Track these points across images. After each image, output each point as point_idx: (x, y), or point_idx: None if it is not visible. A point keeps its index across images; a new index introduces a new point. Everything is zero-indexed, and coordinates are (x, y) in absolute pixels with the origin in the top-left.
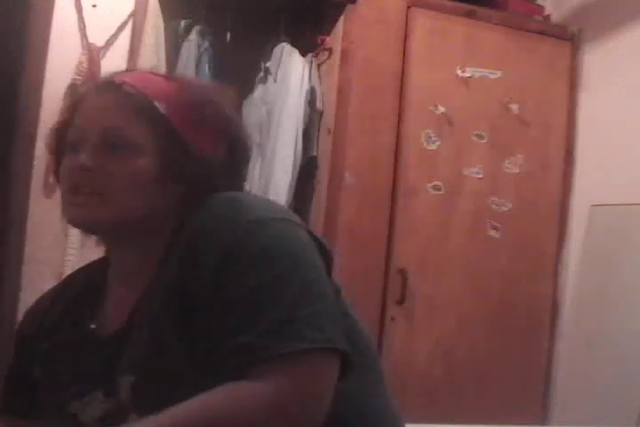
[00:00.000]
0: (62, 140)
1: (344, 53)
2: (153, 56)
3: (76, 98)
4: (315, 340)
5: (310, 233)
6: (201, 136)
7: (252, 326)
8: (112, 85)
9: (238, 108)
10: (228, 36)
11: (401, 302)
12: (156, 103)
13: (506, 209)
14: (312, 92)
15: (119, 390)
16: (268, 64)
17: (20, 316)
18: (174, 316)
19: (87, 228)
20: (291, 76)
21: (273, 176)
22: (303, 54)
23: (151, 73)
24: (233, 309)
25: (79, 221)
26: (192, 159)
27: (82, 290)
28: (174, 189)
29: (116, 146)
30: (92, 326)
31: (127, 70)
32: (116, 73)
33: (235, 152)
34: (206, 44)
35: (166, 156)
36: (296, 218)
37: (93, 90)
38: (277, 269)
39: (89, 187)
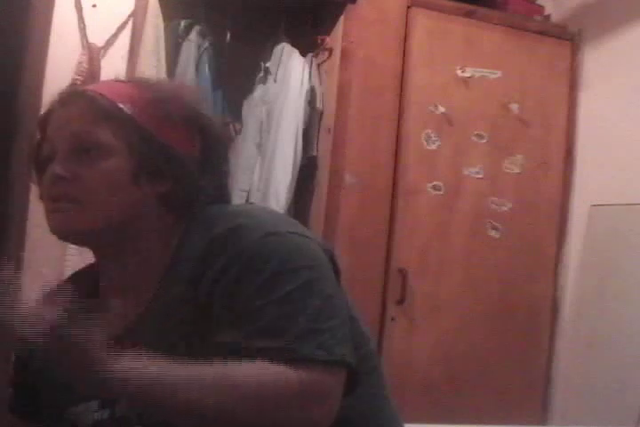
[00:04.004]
0: (41, 158)
1: (344, 53)
2: (153, 56)
3: (43, 115)
4: (334, 353)
5: (321, 246)
6: (170, 132)
7: (280, 334)
8: (75, 95)
9: (238, 107)
10: (228, 36)
11: (401, 301)
12: (121, 104)
13: (506, 209)
14: (312, 92)
15: (118, 400)
16: (268, 64)
17: None
18: (188, 334)
19: (68, 235)
20: (291, 76)
21: (273, 176)
22: (303, 54)
23: (115, 80)
24: (257, 318)
25: (60, 228)
26: (165, 154)
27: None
28: (153, 188)
29: (87, 150)
30: None
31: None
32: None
33: (210, 148)
34: (206, 44)
35: (138, 153)
36: (307, 231)
37: (58, 102)
38: (298, 282)
39: (65, 195)
